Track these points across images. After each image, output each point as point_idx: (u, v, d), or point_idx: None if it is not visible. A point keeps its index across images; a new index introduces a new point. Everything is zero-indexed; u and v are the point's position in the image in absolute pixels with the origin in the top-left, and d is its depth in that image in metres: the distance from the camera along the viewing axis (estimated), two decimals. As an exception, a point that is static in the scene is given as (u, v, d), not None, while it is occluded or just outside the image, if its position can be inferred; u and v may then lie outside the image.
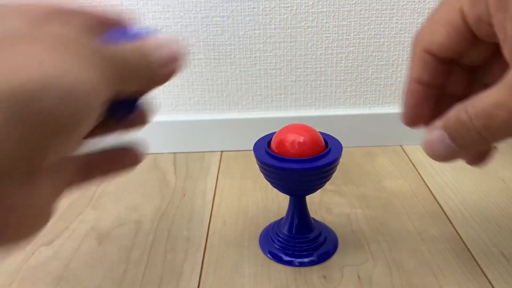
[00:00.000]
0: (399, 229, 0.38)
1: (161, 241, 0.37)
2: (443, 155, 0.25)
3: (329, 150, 0.31)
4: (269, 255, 0.35)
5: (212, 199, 0.44)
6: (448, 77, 0.28)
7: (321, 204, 0.42)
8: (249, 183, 0.47)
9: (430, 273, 0.33)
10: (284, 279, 0.33)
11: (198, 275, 0.33)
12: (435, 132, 0.25)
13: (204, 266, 0.34)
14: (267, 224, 0.39)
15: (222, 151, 0.55)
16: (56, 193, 0.19)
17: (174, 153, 0.55)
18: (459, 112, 0.23)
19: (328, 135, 0.34)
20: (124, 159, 0.25)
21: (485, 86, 0.24)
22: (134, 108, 0.25)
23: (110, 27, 0.24)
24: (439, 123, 0.25)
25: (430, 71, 0.27)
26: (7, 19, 0.21)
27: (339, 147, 0.32)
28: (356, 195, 0.44)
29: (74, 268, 0.34)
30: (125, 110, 0.24)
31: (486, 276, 0.32)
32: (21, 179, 0.15)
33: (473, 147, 0.24)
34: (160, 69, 0.21)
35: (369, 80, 0.53)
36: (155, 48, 0.21)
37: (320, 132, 0.34)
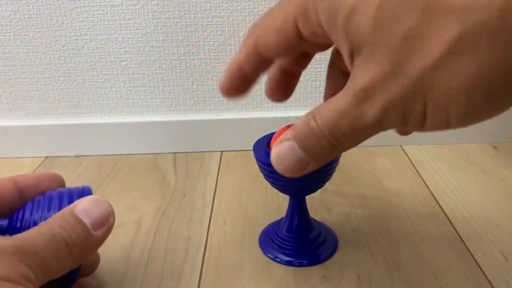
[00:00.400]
0: (399, 229, 0.38)
1: (161, 241, 0.37)
2: (295, 168, 0.24)
3: None
4: (269, 255, 0.35)
5: (212, 199, 0.44)
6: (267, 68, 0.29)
7: (321, 204, 0.42)
8: (249, 183, 0.47)
9: (430, 273, 0.33)
10: (284, 279, 0.33)
11: (198, 275, 0.33)
12: (285, 143, 0.24)
13: (204, 266, 0.34)
14: (267, 223, 0.39)
15: (222, 151, 0.55)
16: None
17: (174, 153, 0.55)
18: (308, 120, 0.23)
19: None
20: None
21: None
22: (75, 277, 0.26)
23: (39, 190, 0.26)
24: (288, 132, 0.24)
25: (253, 63, 0.28)
26: None
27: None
28: (356, 195, 0.44)
29: (74, 268, 0.34)
30: (68, 279, 0.25)
31: (486, 276, 0.32)
32: None
33: (324, 156, 0.23)
34: (96, 232, 0.22)
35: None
36: (84, 211, 0.22)
37: None
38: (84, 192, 0.26)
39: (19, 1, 0.48)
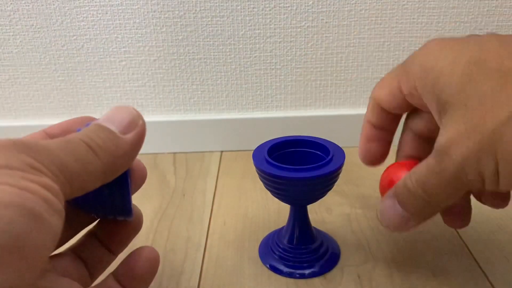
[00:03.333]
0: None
1: (161, 241, 0.37)
2: (397, 223, 0.26)
3: (331, 158, 0.30)
4: (268, 266, 0.34)
5: (212, 199, 0.44)
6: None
7: (321, 204, 0.42)
8: (249, 183, 0.47)
9: (430, 273, 0.33)
10: (284, 279, 0.33)
11: (198, 275, 0.33)
12: (387, 200, 0.27)
13: (204, 266, 0.34)
14: (267, 224, 0.39)
15: (222, 151, 0.55)
16: None
17: (174, 153, 0.54)
18: (406, 179, 0.25)
19: (331, 142, 0.33)
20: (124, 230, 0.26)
21: None
22: (127, 195, 0.23)
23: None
24: (391, 191, 0.27)
25: (378, 116, 0.31)
26: None
27: (341, 155, 0.31)
28: (356, 195, 0.44)
29: (74, 268, 0.34)
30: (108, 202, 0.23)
31: (486, 276, 0.32)
32: None
33: (422, 213, 0.25)
34: (124, 136, 0.20)
35: (370, 80, 0.53)
36: (108, 119, 0.20)
37: (323, 140, 0.33)
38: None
39: (19, 1, 0.48)
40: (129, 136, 0.20)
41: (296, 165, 0.29)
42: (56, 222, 0.15)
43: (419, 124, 0.30)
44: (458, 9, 0.50)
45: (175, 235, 0.38)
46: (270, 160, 0.30)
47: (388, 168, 0.31)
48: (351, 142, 0.54)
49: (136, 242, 0.37)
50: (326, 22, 0.50)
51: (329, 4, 0.49)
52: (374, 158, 0.32)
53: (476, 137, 0.21)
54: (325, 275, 0.33)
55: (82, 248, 0.25)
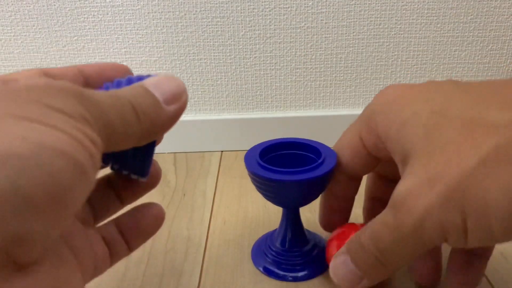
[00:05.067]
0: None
1: (161, 240, 0.38)
2: (348, 281, 0.25)
3: (323, 161, 0.30)
4: (261, 270, 0.33)
5: (212, 199, 0.44)
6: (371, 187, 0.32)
7: (321, 204, 0.42)
8: (249, 183, 0.47)
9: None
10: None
11: (198, 274, 0.33)
12: (339, 257, 0.25)
13: (204, 265, 0.34)
14: (267, 223, 0.39)
15: (222, 151, 0.55)
16: (74, 277, 0.17)
17: (174, 153, 0.55)
18: (359, 234, 0.24)
19: (324, 145, 0.32)
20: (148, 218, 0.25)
21: None
22: (149, 160, 0.24)
23: (104, 80, 0.23)
24: (344, 247, 0.25)
25: (339, 184, 0.30)
26: None
27: (333, 158, 0.30)
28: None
29: (75, 268, 0.34)
30: (138, 163, 0.23)
31: (486, 276, 0.32)
32: (4, 274, 0.13)
33: (374, 272, 0.23)
34: (167, 106, 0.19)
35: (369, 80, 0.53)
36: (156, 85, 0.19)
37: (315, 142, 0.33)
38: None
39: (20, 2, 0.49)
40: (171, 108, 0.20)
41: (288, 168, 0.29)
42: (95, 178, 0.16)
43: (384, 167, 0.29)
44: (457, 9, 0.50)
45: (175, 235, 0.38)
46: (261, 162, 0.30)
47: (338, 231, 0.30)
48: (351, 142, 0.54)
49: (137, 242, 0.37)
50: (325, 23, 0.50)
51: (328, 5, 0.49)
52: (337, 226, 0.31)
53: (439, 187, 0.19)
54: (324, 275, 0.33)
55: (93, 191, 0.25)
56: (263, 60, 0.52)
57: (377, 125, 0.25)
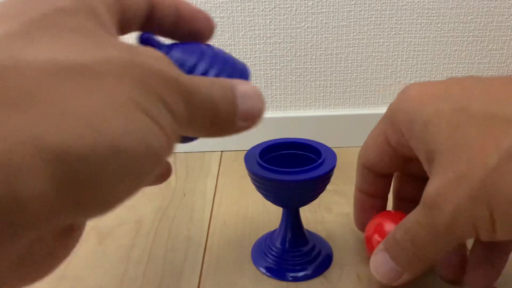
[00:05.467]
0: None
1: (161, 240, 0.37)
2: (390, 277, 0.26)
3: (323, 161, 0.30)
4: (261, 270, 0.33)
5: (212, 199, 0.44)
6: (401, 185, 0.32)
7: (321, 203, 0.42)
8: (249, 183, 0.46)
9: (430, 273, 0.33)
10: (284, 278, 0.33)
11: (198, 275, 0.33)
12: (378, 254, 0.26)
13: (204, 266, 0.34)
14: (267, 223, 0.39)
15: (222, 151, 0.55)
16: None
17: (174, 153, 0.55)
18: (395, 232, 0.25)
19: (324, 145, 0.33)
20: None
21: None
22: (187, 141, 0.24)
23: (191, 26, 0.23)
24: (381, 244, 0.26)
25: (369, 183, 0.31)
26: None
27: (333, 158, 0.30)
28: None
29: (75, 268, 0.34)
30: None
31: (485, 276, 0.32)
32: (59, 234, 0.15)
33: (413, 267, 0.25)
34: (240, 122, 0.19)
35: (369, 80, 0.53)
36: (244, 97, 0.19)
37: (315, 142, 0.33)
38: (246, 72, 0.23)
39: (19, 2, 0.48)
40: (242, 124, 0.20)
41: (288, 168, 0.29)
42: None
43: (410, 165, 0.30)
44: (457, 9, 0.50)
45: (175, 235, 0.38)
46: (261, 162, 0.30)
47: (374, 218, 0.31)
48: (351, 142, 0.54)
49: (137, 241, 0.37)
50: (325, 23, 0.50)
51: (328, 5, 0.49)
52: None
53: (466, 185, 0.20)
54: (324, 274, 0.33)
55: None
56: (263, 60, 0.52)
57: (400, 123, 0.26)
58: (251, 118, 0.20)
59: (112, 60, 0.14)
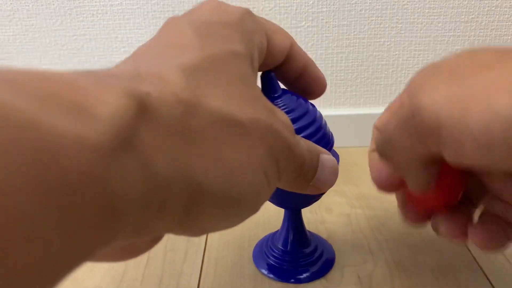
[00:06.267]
0: (399, 229, 0.38)
1: (161, 241, 0.37)
2: (380, 175, 0.25)
3: None
4: (263, 271, 0.33)
5: (212, 199, 0.44)
6: None
7: (321, 204, 0.42)
8: (249, 183, 0.47)
9: (430, 273, 0.33)
10: (284, 279, 0.33)
11: (198, 275, 0.33)
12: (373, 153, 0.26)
13: (204, 266, 0.34)
14: (267, 224, 0.39)
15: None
16: None
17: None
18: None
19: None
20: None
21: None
22: None
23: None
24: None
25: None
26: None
27: (335, 158, 0.30)
28: (356, 195, 0.44)
29: (74, 268, 0.34)
30: None
31: (486, 276, 0.32)
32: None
33: (387, 155, 0.23)
34: (312, 186, 0.21)
35: (369, 80, 0.53)
36: (323, 166, 0.21)
37: None
38: (332, 142, 0.27)
39: (19, 1, 0.48)
40: (309, 189, 0.21)
41: None
42: None
43: None
44: (458, 9, 0.50)
45: (175, 236, 0.38)
46: None
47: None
48: (351, 142, 0.54)
49: (136, 242, 0.37)
50: (326, 22, 0.50)
51: (329, 4, 0.49)
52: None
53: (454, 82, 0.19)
54: (325, 275, 0.33)
55: None
56: (263, 60, 0.52)
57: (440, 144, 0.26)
58: (321, 187, 0.21)
59: (260, 122, 0.17)
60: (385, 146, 0.22)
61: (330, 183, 0.21)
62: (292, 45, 0.24)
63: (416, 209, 0.27)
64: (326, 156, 0.21)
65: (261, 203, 0.18)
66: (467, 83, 0.18)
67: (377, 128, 0.27)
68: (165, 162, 0.13)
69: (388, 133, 0.21)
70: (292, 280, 0.32)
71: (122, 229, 0.12)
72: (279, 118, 0.18)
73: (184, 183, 0.14)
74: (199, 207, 0.15)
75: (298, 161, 0.19)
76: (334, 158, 0.22)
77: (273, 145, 0.17)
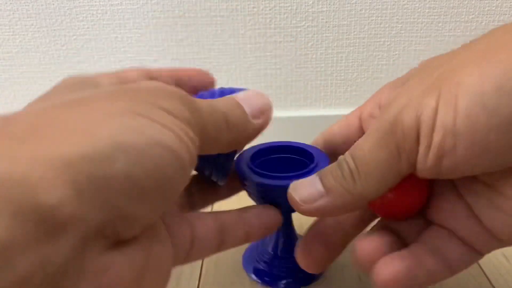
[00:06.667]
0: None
1: (161, 241, 0.37)
2: (306, 196, 0.21)
3: (315, 166, 0.27)
4: (252, 276, 0.33)
5: (212, 199, 0.44)
6: None
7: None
8: (249, 183, 0.47)
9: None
10: (284, 279, 0.33)
11: (198, 275, 0.33)
12: (310, 177, 0.22)
13: (204, 266, 0.34)
14: (267, 224, 0.39)
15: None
16: (166, 259, 0.18)
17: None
18: (339, 156, 0.22)
19: (315, 148, 0.30)
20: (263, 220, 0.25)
21: None
22: (229, 166, 0.26)
23: (192, 85, 0.26)
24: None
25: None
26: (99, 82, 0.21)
27: (325, 162, 0.28)
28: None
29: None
30: (220, 168, 0.26)
31: (486, 276, 0.32)
32: (106, 246, 0.15)
33: (339, 188, 0.20)
34: (254, 120, 0.21)
35: (370, 79, 0.53)
36: (246, 99, 0.22)
37: (309, 146, 0.31)
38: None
39: (18, 1, 0.48)
40: (258, 122, 0.22)
41: (280, 173, 0.27)
42: (191, 173, 0.18)
43: None
44: (458, 8, 0.50)
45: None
46: (252, 166, 0.28)
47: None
48: (351, 142, 0.54)
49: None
50: (326, 22, 0.50)
51: (329, 4, 0.49)
52: None
53: (427, 81, 0.19)
54: (325, 275, 0.33)
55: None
56: (264, 60, 0.52)
57: (382, 95, 0.26)
58: (261, 113, 0.22)
59: (107, 90, 0.17)
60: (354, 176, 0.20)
61: (265, 105, 0.22)
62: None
63: (380, 214, 0.25)
64: (240, 92, 0.22)
65: (179, 148, 0.16)
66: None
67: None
68: None
69: (363, 154, 0.20)
70: (282, 286, 0.31)
71: None
72: (144, 84, 0.18)
73: (47, 166, 0.13)
74: (93, 178, 0.14)
75: (207, 109, 0.19)
76: (251, 89, 0.23)
77: (138, 97, 0.17)
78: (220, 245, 0.23)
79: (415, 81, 0.20)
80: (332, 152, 0.29)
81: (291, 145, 0.31)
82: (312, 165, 0.27)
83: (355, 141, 0.22)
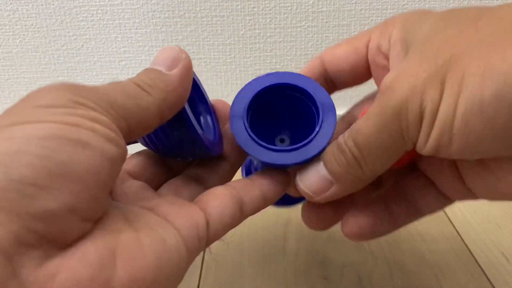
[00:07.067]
0: (400, 229, 0.38)
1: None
2: (315, 187, 0.21)
3: (318, 130, 0.22)
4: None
5: (212, 199, 0.44)
6: None
7: (321, 204, 0.42)
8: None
9: (430, 273, 0.33)
10: (283, 279, 0.33)
11: (198, 275, 0.33)
12: (312, 164, 0.22)
13: (204, 266, 0.34)
14: (266, 224, 0.39)
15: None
16: (148, 246, 0.17)
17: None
18: (339, 138, 0.21)
19: (312, 82, 0.24)
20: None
21: None
22: (200, 138, 0.22)
23: None
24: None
25: (316, 76, 0.28)
26: None
27: (329, 111, 0.23)
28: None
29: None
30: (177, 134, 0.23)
31: (486, 276, 0.32)
32: (44, 256, 0.14)
33: (348, 175, 0.21)
34: (170, 72, 0.20)
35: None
36: (154, 60, 0.21)
37: (303, 80, 0.24)
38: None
39: (18, 0, 0.48)
40: (175, 71, 0.20)
41: (282, 123, 0.24)
42: (112, 149, 0.16)
43: None
44: (458, 8, 0.50)
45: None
46: (253, 135, 0.23)
47: None
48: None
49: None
50: (326, 22, 0.50)
51: (329, 4, 0.49)
52: None
53: (429, 65, 0.18)
54: (325, 275, 0.33)
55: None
56: (263, 60, 0.52)
57: (394, 28, 0.23)
58: (175, 62, 0.20)
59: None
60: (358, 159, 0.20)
61: (175, 54, 0.21)
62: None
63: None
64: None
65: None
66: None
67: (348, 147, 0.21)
68: None
69: (366, 138, 0.20)
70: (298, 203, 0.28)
71: None
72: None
73: None
74: None
75: (118, 86, 0.19)
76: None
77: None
78: (240, 213, 0.23)
79: (417, 60, 0.19)
80: (335, 77, 0.28)
81: (287, 84, 0.25)
82: (311, 136, 0.22)
83: (361, 74, 0.26)
